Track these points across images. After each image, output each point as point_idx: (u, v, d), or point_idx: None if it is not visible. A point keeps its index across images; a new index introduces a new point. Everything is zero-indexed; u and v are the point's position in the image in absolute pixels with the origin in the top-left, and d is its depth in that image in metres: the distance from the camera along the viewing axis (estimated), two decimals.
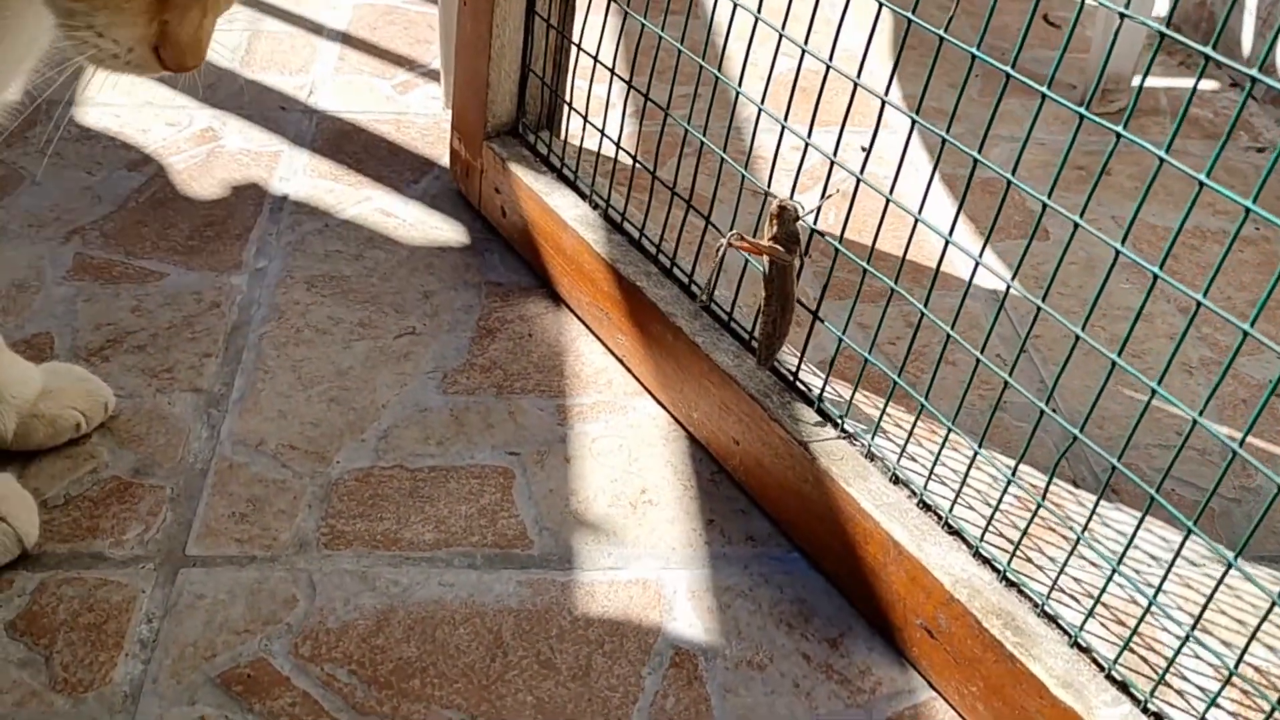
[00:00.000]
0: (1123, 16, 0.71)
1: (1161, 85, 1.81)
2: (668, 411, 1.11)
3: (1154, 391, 0.75)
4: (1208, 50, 0.67)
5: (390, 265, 1.26)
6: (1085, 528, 0.82)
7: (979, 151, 0.83)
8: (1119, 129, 0.73)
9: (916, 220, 0.88)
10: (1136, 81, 1.79)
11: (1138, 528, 0.78)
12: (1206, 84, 1.81)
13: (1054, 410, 1.13)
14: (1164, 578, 0.77)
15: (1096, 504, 0.80)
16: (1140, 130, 1.67)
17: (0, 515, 0.90)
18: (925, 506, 0.91)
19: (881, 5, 0.89)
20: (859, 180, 0.90)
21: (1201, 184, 0.69)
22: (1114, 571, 0.79)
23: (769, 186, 1.00)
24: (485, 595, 0.92)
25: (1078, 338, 0.78)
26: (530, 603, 0.92)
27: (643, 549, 0.98)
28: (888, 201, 0.89)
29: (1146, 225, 1.47)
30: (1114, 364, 0.77)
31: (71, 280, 1.21)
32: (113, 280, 1.21)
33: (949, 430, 0.89)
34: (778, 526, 1.00)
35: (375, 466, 1.03)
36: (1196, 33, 1.96)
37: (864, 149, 1.58)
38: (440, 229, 1.33)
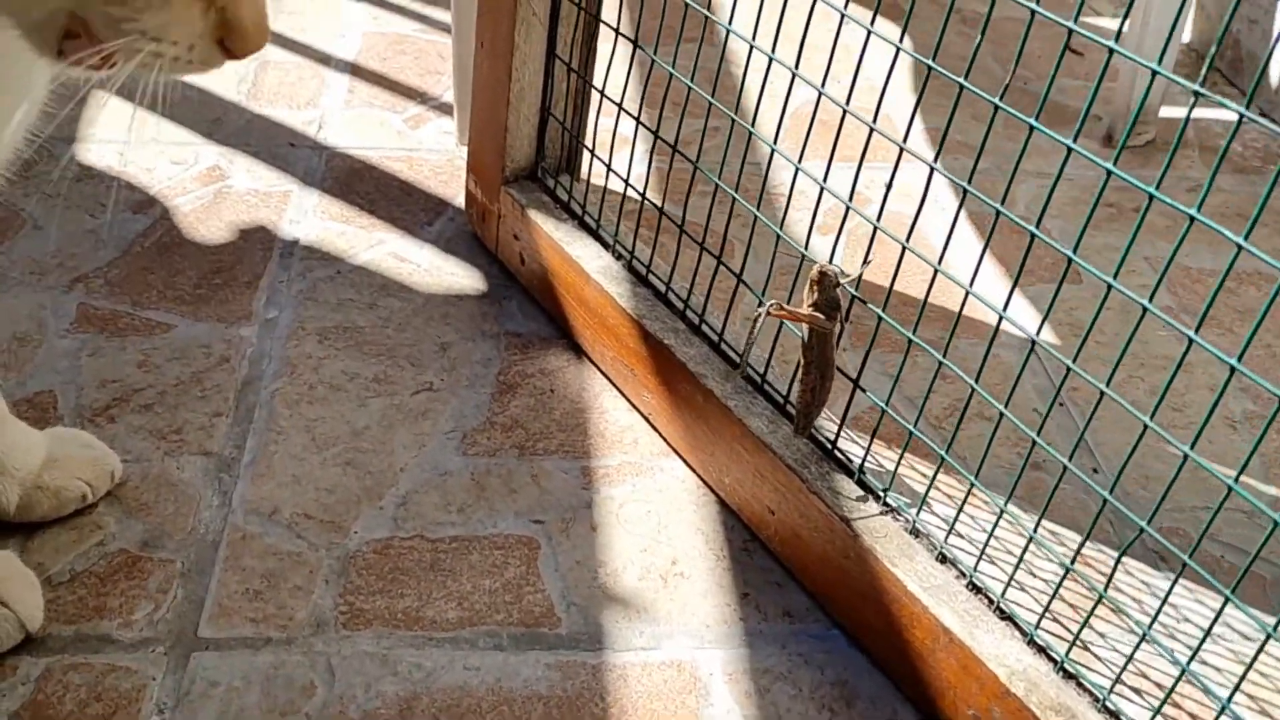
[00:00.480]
0: (1155, 73, 0.67)
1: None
2: (697, 474, 1.06)
3: (1185, 456, 0.71)
4: (1243, 109, 0.64)
5: (405, 314, 1.22)
6: (1152, 623, 0.77)
7: (1005, 192, 0.79)
8: (1152, 190, 0.70)
9: (936, 270, 0.84)
10: (1165, 113, 1.75)
11: (1213, 622, 0.74)
12: (1234, 115, 1.77)
13: (1095, 469, 1.09)
14: (1240, 681, 0.72)
15: (1165, 600, 0.76)
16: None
17: (1, 599, 0.86)
18: (975, 588, 0.87)
19: (899, 50, 0.84)
20: (905, 248, 0.86)
21: (1240, 247, 0.66)
22: (1184, 671, 0.75)
23: (806, 242, 0.96)
24: (513, 680, 0.88)
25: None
26: (560, 688, 0.88)
27: (675, 626, 0.93)
28: (937, 272, 0.84)
29: (1181, 268, 1.42)
30: (1145, 426, 0.73)
31: (75, 333, 1.16)
32: (118, 333, 1.16)
33: (1001, 512, 0.85)
34: (816, 601, 0.96)
35: (394, 537, 0.98)
36: (1221, 60, 1.92)
37: (886, 185, 1.54)
38: (456, 275, 1.28)
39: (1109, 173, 0.73)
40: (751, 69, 1.04)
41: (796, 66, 0.93)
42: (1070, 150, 0.74)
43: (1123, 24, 0.74)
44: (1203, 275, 1.41)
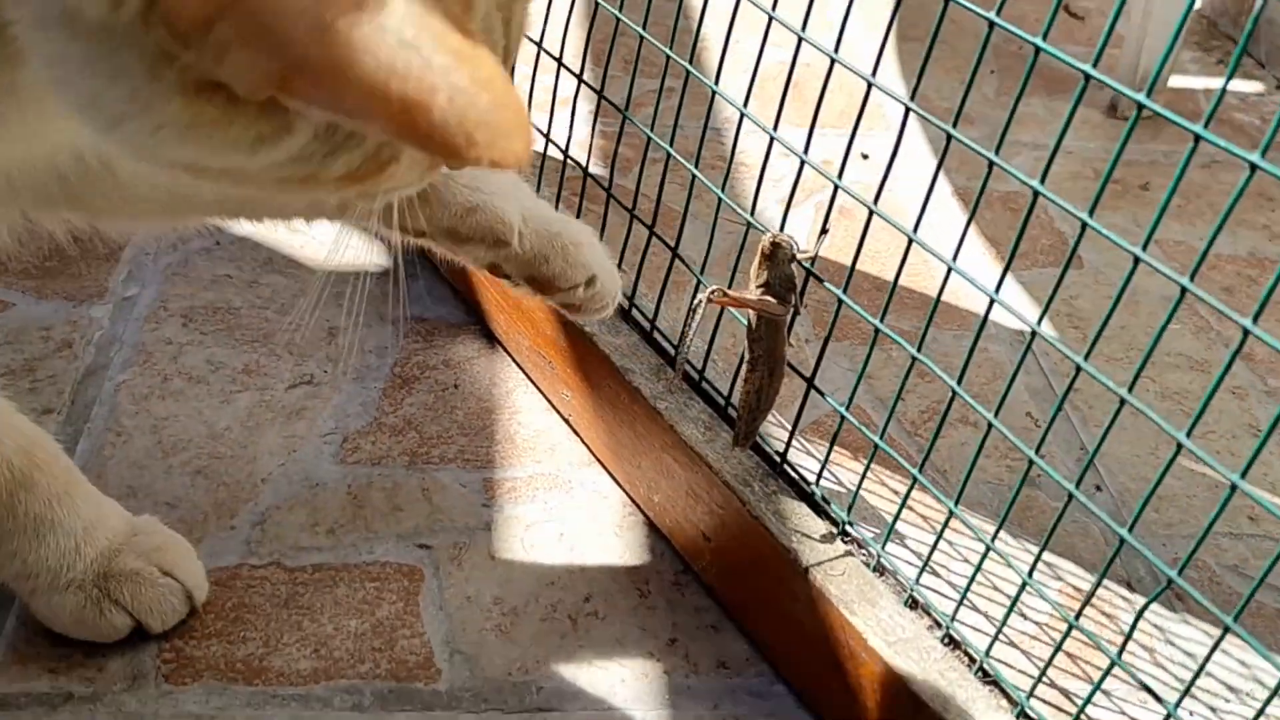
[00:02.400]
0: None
1: (1199, 86, 1.59)
2: (622, 489, 0.88)
3: (1234, 486, 0.53)
4: None
5: (291, 295, 1.04)
6: (1181, 698, 0.60)
7: (996, 157, 0.62)
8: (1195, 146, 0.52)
9: (910, 240, 0.66)
10: (1175, 82, 1.58)
11: (1265, 703, 0.56)
12: (1251, 86, 1.60)
13: (1099, 486, 0.91)
14: None
15: (1198, 673, 0.58)
16: (1179, 136, 1.45)
17: (165, 569, 0.73)
18: (953, 643, 0.69)
19: None
20: (872, 212, 0.68)
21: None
22: None
23: (754, 206, 0.78)
24: None
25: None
26: None
27: (583, 682, 0.76)
28: (909, 243, 0.67)
29: (1193, 250, 1.25)
30: (1179, 446, 0.55)
31: None
32: None
33: (987, 549, 0.67)
34: (758, 649, 0.78)
35: (244, 565, 0.80)
36: (1235, 27, 1.75)
37: (864, 155, 1.36)
38: (357, 249, 1.10)
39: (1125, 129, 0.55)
40: (712, 20, 0.86)
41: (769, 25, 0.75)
42: (1087, 79, 0.57)
43: None
44: (1220, 261, 1.23)
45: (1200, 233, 1.28)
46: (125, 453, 0.87)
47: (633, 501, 0.88)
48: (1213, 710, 0.78)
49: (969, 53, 0.57)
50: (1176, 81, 1.58)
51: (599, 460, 0.90)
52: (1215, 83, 1.62)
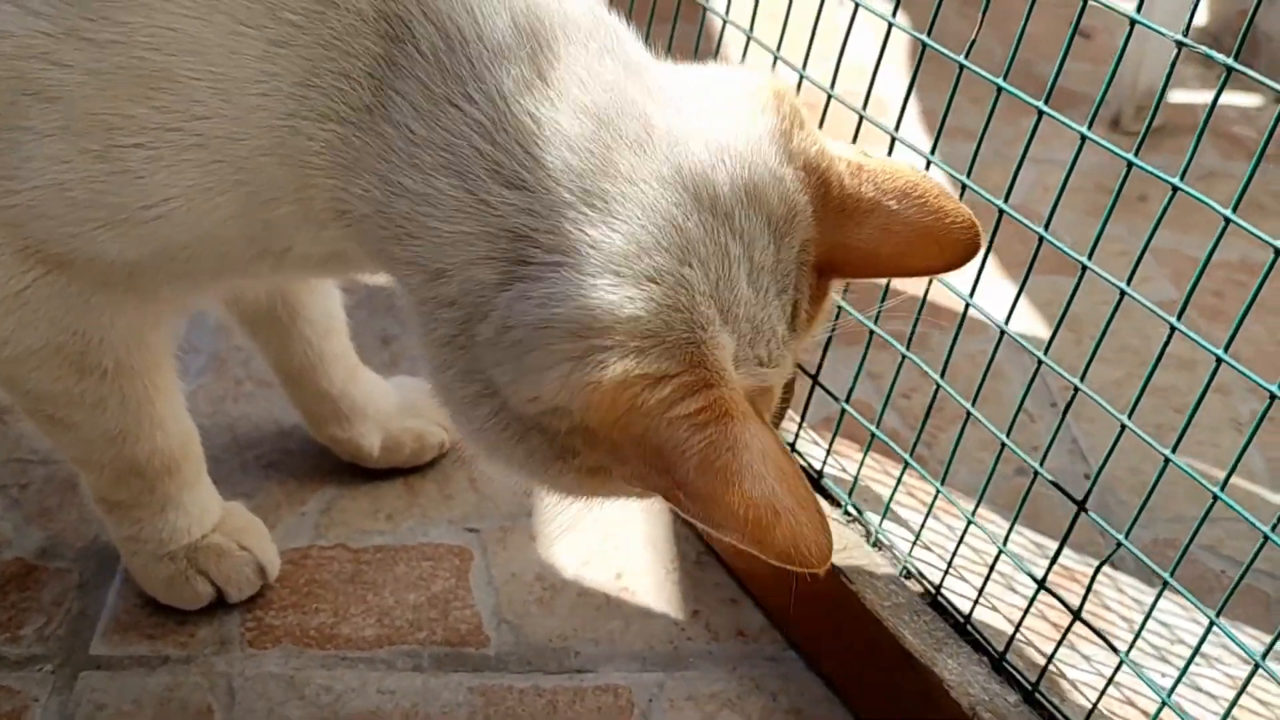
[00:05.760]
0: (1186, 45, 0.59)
1: (1199, 101, 1.67)
2: None
3: (1166, 461, 0.63)
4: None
5: (347, 306, 1.14)
6: (1130, 648, 0.69)
7: (1009, 187, 0.72)
8: (1175, 181, 0.62)
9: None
10: (1171, 97, 1.66)
11: (1197, 648, 0.65)
12: (1250, 100, 1.68)
13: (1088, 475, 1.00)
14: (1227, 713, 0.64)
15: (1144, 623, 0.67)
16: (1179, 150, 1.53)
17: (243, 545, 0.84)
18: (940, 608, 0.78)
19: (891, 26, 0.76)
20: None
21: (1227, 220, 0.59)
22: (1164, 703, 0.66)
23: None
24: (431, 705, 0.80)
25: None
26: (482, 714, 0.80)
27: (616, 646, 0.85)
28: None
29: (1186, 258, 1.33)
30: (1122, 427, 0.65)
31: None
32: None
33: (969, 522, 0.76)
34: (771, 619, 0.88)
35: (314, 546, 0.90)
36: (1238, 41, 1.83)
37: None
38: None
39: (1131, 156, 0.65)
40: (733, 47, 0.96)
41: (779, 47, 0.85)
42: (1084, 139, 0.66)
43: (1140, 5, 0.65)
44: (1211, 268, 1.31)
45: (1193, 241, 1.36)
46: (205, 449, 0.97)
47: None
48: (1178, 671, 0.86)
49: (983, 70, 0.66)
50: (1177, 96, 1.66)
51: None
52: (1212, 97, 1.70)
